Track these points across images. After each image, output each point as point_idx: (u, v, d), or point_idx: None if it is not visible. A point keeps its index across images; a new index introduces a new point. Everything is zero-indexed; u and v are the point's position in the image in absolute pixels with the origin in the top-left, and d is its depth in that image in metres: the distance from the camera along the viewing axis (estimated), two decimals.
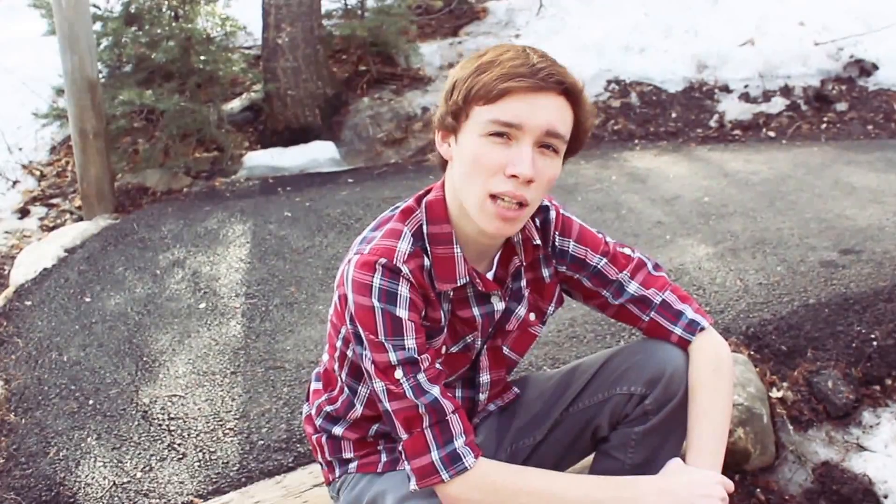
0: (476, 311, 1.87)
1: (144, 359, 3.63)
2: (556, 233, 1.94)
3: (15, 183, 6.41)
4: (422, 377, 1.74)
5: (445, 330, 1.84)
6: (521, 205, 1.68)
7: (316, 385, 2.09)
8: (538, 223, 1.92)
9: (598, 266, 1.95)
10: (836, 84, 6.36)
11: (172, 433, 3.13)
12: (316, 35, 6.17)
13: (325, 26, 6.57)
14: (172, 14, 5.84)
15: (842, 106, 6.19)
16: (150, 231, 4.90)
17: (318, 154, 6.10)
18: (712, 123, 6.02)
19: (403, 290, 1.72)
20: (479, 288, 1.84)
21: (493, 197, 1.67)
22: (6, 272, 4.93)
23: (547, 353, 3.26)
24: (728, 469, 2.14)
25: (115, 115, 5.61)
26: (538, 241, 1.90)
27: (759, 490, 2.79)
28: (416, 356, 1.73)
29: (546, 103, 1.65)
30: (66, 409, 3.35)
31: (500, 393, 2.10)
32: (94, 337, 3.86)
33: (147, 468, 2.95)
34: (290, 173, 5.91)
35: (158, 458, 3.00)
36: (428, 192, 1.84)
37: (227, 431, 3.10)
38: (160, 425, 3.18)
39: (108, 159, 5.44)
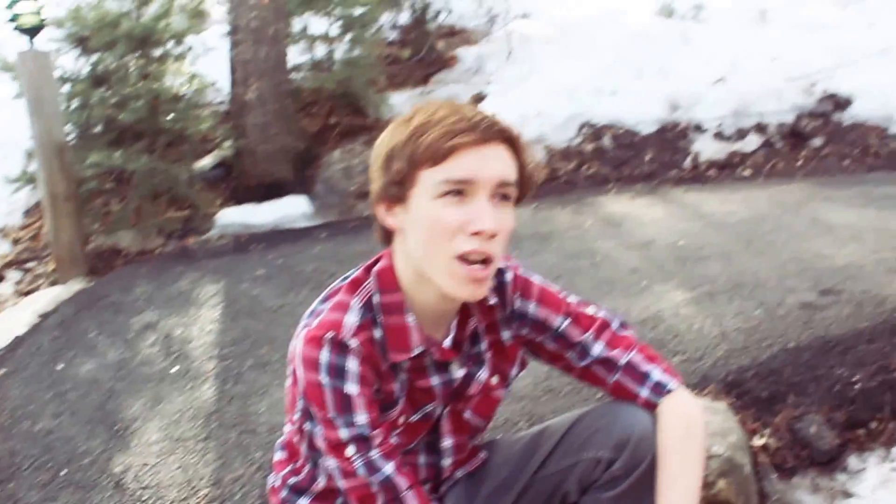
0: (435, 381, 1.83)
1: (117, 426, 3.55)
2: (516, 295, 1.89)
3: None
4: (374, 454, 1.69)
5: (403, 400, 1.80)
6: (487, 261, 1.64)
7: (279, 455, 2.03)
8: (495, 283, 1.86)
9: (561, 328, 1.89)
10: (810, 119, 6.38)
11: (145, 503, 3.05)
12: (284, 89, 6.17)
13: (294, 80, 6.56)
14: (140, 73, 5.81)
15: (817, 141, 6.20)
16: (122, 294, 4.84)
17: (291, 209, 6.07)
18: (687, 164, 6.03)
19: (352, 364, 1.67)
20: (435, 357, 1.79)
21: (461, 259, 1.63)
22: None
23: (523, 408, 3.20)
24: None
25: (86, 177, 5.56)
26: (493, 302, 1.85)
27: None
28: (367, 433, 1.69)
29: (493, 154, 1.63)
30: (38, 481, 3.26)
31: (467, 458, 2.03)
32: (66, 405, 3.78)
33: None
34: (263, 230, 5.86)
35: None
36: (376, 261, 1.79)
37: (199, 499, 3.03)
38: (132, 495, 3.10)
39: (80, 222, 5.40)
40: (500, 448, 2.08)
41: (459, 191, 1.61)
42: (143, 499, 3.06)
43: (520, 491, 1.99)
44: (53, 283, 5.47)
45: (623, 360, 1.88)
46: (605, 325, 1.91)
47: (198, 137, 6.07)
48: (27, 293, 5.53)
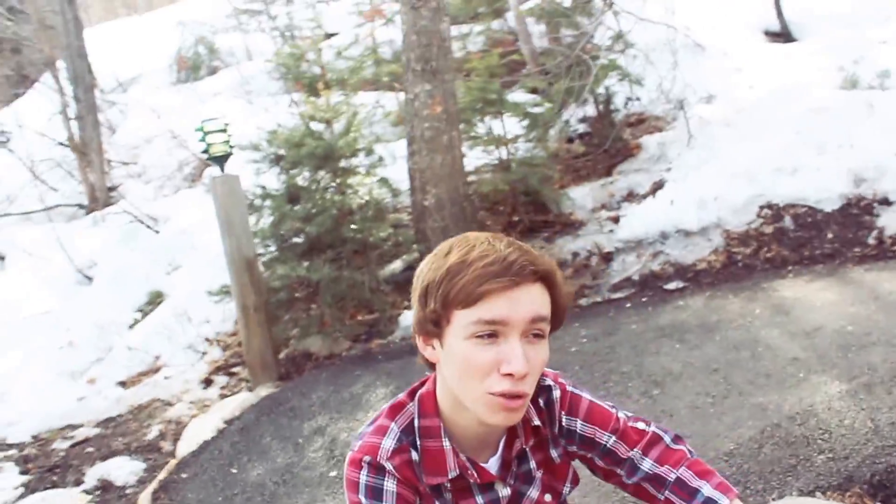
0: (480, 500, 1.83)
1: None
2: (563, 412, 1.89)
3: (203, 354, 6.91)
4: None
5: None
6: (519, 397, 1.66)
7: None
8: (542, 403, 1.87)
9: (608, 444, 1.87)
10: None
11: None
12: (462, 193, 6.37)
13: (473, 182, 6.75)
14: (325, 188, 6.21)
15: None
16: (301, 399, 5.12)
17: None
18: (871, 241, 5.59)
19: (389, 485, 1.73)
20: (472, 480, 1.80)
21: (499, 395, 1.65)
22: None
23: None
24: None
25: (275, 288, 5.97)
26: (537, 423, 1.85)
27: None
28: None
29: (526, 295, 1.64)
30: None
31: None
32: None
33: None
34: None
35: None
36: (422, 384, 1.84)
37: None
38: None
39: (270, 330, 5.79)
40: None
41: (491, 332, 1.63)
42: None
43: None
44: (251, 389, 5.86)
45: (672, 477, 1.83)
46: (655, 440, 1.88)
47: (380, 245, 6.35)
48: (230, 397, 5.95)
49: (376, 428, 1.79)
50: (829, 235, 5.73)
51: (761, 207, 6.08)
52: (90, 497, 4.83)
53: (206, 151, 5.60)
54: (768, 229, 5.94)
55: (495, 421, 1.69)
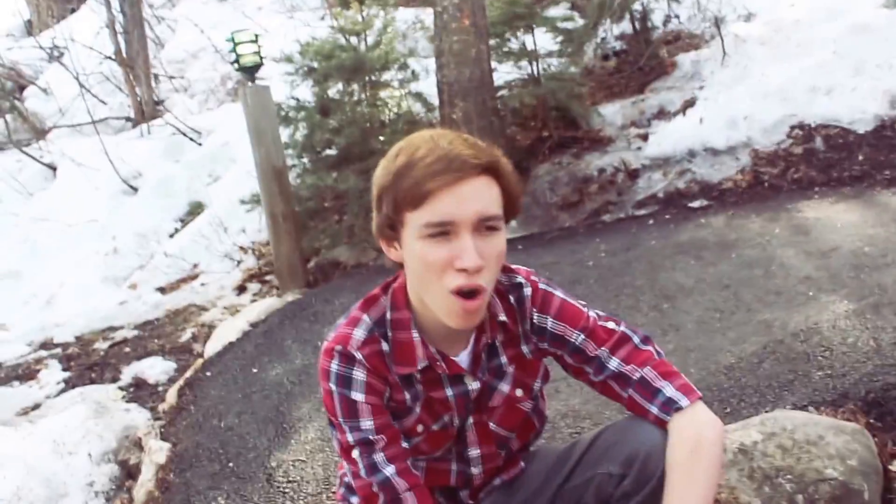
0: (449, 392, 1.91)
1: (284, 425, 3.93)
2: (534, 309, 1.93)
3: (239, 262, 7.12)
4: (378, 457, 1.83)
5: (419, 410, 1.90)
6: (478, 292, 1.71)
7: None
8: (512, 300, 1.92)
9: (577, 342, 1.91)
10: None
11: (285, 495, 3.37)
12: (490, 107, 6.38)
13: (502, 96, 6.75)
14: (355, 101, 6.28)
15: None
16: (324, 305, 5.28)
17: None
18: None
19: (358, 374, 1.82)
20: (441, 371, 1.88)
21: (456, 293, 1.70)
22: None
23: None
24: None
25: (305, 198, 6.10)
26: (503, 318, 1.90)
27: None
28: (371, 437, 1.83)
29: (470, 190, 1.67)
30: (209, 471, 3.71)
31: (507, 467, 2.09)
32: (250, 405, 4.23)
33: None
34: None
35: None
36: (395, 279, 1.91)
37: (329, 496, 3.29)
38: (278, 487, 3.44)
39: (298, 239, 5.93)
40: (537, 458, 2.13)
41: (442, 232, 1.67)
42: (286, 492, 3.39)
43: (547, 501, 2.04)
44: (279, 296, 6.05)
45: (636, 376, 1.86)
46: (623, 340, 1.91)
47: None
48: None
49: (349, 319, 1.87)
50: (860, 157, 5.64)
51: (792, 128, 5.99)
52: (124, 393, 5.08)
53: (236, 62, 5.69)
54: (798, 150, 5.87)
55: (454, 324, 1.75)
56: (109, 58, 10.77)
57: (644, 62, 7.35)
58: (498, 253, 1.73)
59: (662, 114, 6.78)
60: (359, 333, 1.84)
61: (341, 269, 6.17)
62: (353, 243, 6.15)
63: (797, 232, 4.83)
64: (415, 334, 1.85)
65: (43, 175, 9.74)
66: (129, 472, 4.05)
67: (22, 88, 11.92)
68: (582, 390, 3.36)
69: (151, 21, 12.00)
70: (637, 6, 7.42)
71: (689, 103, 6.62)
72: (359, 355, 1.81)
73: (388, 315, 1.86)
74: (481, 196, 1.68)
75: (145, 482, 3.78)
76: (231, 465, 3.71)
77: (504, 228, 1.75)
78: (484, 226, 1.68)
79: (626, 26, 7.82)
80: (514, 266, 1.94)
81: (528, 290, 1.93)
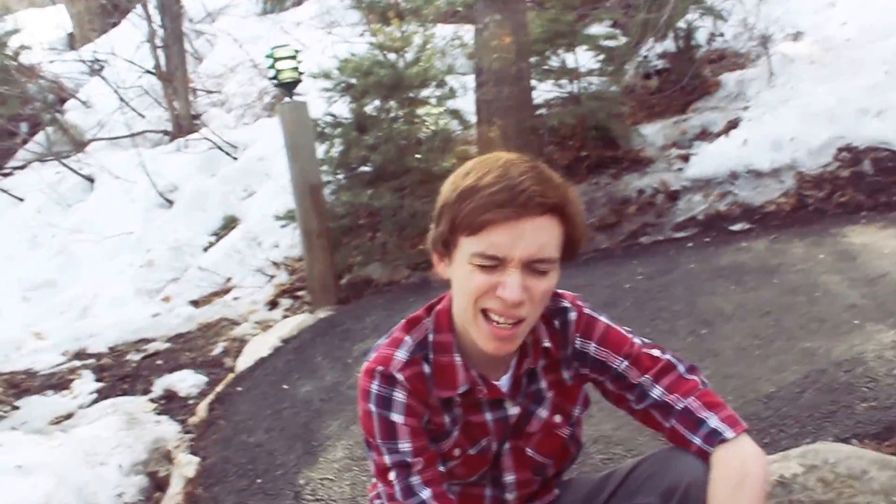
0: (488, 416, 1.88)
1: (312, 443, 3.89)
2: (577, 335, 1.90)
3: (271, 277, 7.11)
4: (414, 479, 1.79)
5: (458, 433, 1.87)
6: (518, 322, 1.69)
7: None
8: (556, 325, 1.89)
9: (620, 369, 1.87)
10: None
11: None
12: (528, 126, 6.32)
13: (542, 115, 6.68)
14: (394, 118, 6.24)
15: None
16: (355, 322, 5.24)
17: None
18: None
19: (399, 396, 1.79)
20: (481, 396, 1.85)
21: (485, 314, 1.69)
22: None
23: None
24: None
25: (339, 215, 6.07)
26: (547, 344, 1.87)
27: None
28: (408, 459, 1.79)
29: (529, 229, 1.63)
30: (237, 487, 3.68)
31: (541, 494, 2.05)
32: (280, 421, 4.19)
33: None
34: None
35: None
36: (440, 300, 1.88)
37: None
38: None
39: (332, 256, 5.90)
40: (573, 487, 2.10)
41: (492, 265, 1.65)
42: None
43: None
44: (311, 312, 6.02)
45: (680, 406, 1.82)
46: (668, 368, 1.87)
47: (444, 175, 6.35)
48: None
49: (391, 340, 1.86)
50: None
51: (839, 150, 5.85)
52: (155, 405, 5.06)
53: (274, 77, 5.68)
54: (845, 173, 5.73)
55: (487, 349, 1.73)
56: (149, 72, 10.86)
57: (687, 81, 7.23)
58: (543, 291, 1.70)
59: (705, 134, 6.67)
60: (400, 355, 1.82)
61: (373, 287, 6.13)
62: (386, 261, 6.11)
63: (843, 258, 4.70)
64: (457, 358, 1.83)
65: (81, 187, 9.82)
66: (158, 485, 4.03)
67: (63, 101, 12.05)
68: (615, 415, 3.29)
69: (191, 35, 12.10)
70: (681, 24, 7.32)
71: (733, 124, 6.51)
72: (400, 377, 1.79)
73: (431, 337, 1.84)
74: (539, 237, 1.65)
75: (174, 495, 3.76)
76: (259, 481, 3.67)
77: (557, 268, 1.71)
78: (535, 268, 1.65)
79: (668, 44, 7.70)
80: (560, 290, 1.89)
81: (573, 315, 1.90)
